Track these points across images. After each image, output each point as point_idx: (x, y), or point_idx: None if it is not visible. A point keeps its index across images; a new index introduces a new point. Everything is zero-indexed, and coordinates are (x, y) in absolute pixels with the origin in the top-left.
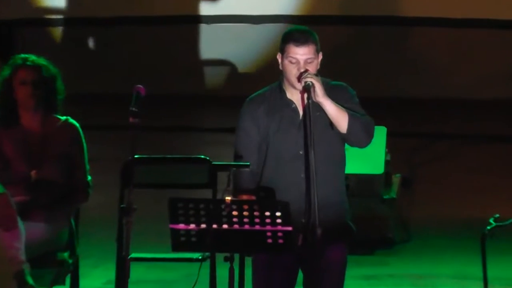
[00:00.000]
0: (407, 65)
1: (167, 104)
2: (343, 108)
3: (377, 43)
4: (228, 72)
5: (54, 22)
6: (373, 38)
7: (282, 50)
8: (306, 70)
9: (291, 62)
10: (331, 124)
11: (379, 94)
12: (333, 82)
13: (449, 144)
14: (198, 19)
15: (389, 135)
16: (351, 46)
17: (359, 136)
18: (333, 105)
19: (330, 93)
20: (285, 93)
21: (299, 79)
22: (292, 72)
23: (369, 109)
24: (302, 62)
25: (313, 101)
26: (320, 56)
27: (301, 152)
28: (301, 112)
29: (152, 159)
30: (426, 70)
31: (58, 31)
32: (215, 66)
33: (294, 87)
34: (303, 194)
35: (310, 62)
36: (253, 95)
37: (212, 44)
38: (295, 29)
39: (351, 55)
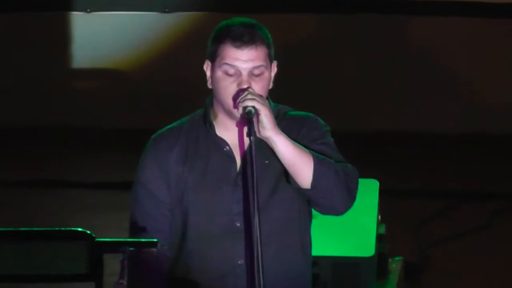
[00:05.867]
0: (410, 76)
1: (18, 144)
2: (305, 149)
3: (365, 40)
4: (117, 91)
5: None
6: (360, 33)
7: (213, 55)
8: (248, 88)
9: (226, 73)
10: (287, 177)
11: (366, 127)
12: (293, 112)
13: (482, 209)
14: (68, 4)
15: (384, 193)
16: (325, 46)
17: (332, 195)
18: (288, 143)
19: (287, 128)
20: (213, 128)
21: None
22: (227, 90)
23: (350, 151)
24: (245, 74)
25: (257, 139)
26: (275, 68)
27: (238, 224)
28: (239, 159)
29: None
30: (445, 81)
31: None
32: (95, 79)
33: (229, 116)
34: None
35: (257, 75)
36: (161, 130)
37: (90, 45)
38: (235, 21)
39: (324, 64)
